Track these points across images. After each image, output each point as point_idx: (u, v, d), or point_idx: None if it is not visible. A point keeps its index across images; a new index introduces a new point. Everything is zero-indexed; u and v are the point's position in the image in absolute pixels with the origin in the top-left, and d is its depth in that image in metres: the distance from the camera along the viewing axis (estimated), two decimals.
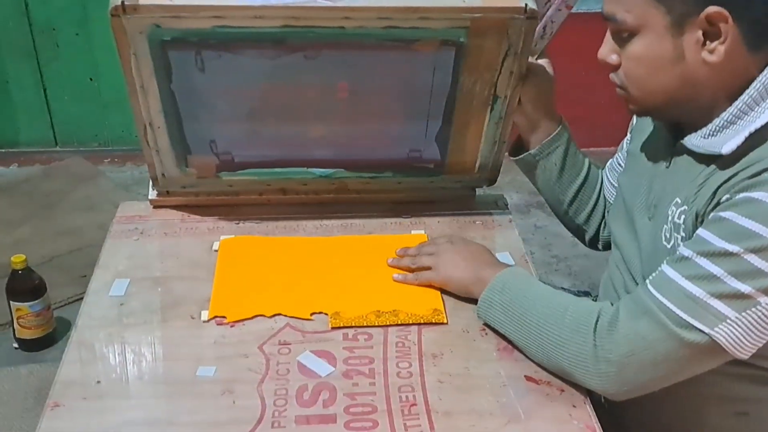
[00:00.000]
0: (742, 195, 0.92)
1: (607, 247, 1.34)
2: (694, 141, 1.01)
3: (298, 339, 1.10)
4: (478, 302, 1.12)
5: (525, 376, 1.05)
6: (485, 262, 1.19)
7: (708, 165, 0.99)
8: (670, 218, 1.04)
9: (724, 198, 0.94)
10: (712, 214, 0.95)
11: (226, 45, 1.17)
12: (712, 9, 0.92)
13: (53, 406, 0.98)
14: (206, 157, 1.33)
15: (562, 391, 1.03)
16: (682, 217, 1.01)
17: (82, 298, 1.19)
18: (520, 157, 1.32)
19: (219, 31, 1.13)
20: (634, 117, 1.24)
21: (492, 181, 1.44)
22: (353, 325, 1.12)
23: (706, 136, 0.99)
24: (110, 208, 1.37)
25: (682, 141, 1.03)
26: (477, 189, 1.46)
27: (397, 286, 1.21)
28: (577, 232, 1.40)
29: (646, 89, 1.02)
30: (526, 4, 1.12)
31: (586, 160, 1.34)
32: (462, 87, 1.26)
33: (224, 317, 1.13)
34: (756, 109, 0.95)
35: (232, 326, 1.11)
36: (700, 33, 0.94)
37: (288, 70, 1.22)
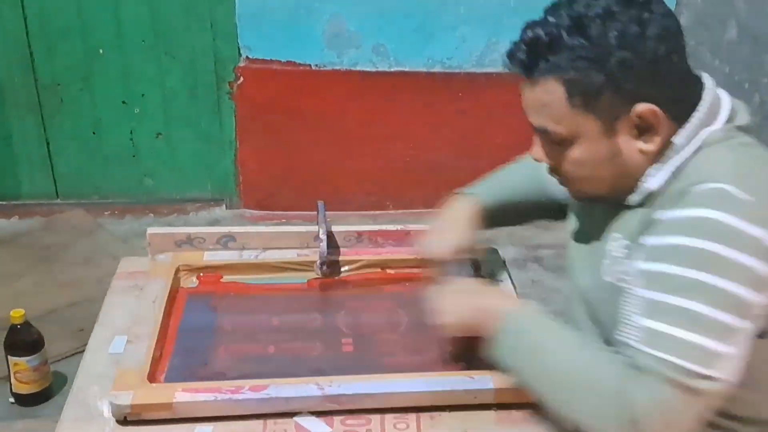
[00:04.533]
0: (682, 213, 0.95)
1: None
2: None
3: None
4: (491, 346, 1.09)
5: None
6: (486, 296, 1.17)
7: (642, 206, 1.03)
8: (610, 252, 1.06)
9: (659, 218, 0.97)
10: (651, 241, 0.97)
11: None
12: (640, 108, 0.97)
13: None
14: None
15: None
16: (623, 251, 1.04)
17: (79, 353, 1.19)
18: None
19: None
20: None
21: None
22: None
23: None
24: (109, 261, 1.38)
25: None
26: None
27: None
28: None
29: (589, 184, 1.06)
30: None
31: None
32: None
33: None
34: (681, 152, 1.00)
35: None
36: (634, 128, 0.99)
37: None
